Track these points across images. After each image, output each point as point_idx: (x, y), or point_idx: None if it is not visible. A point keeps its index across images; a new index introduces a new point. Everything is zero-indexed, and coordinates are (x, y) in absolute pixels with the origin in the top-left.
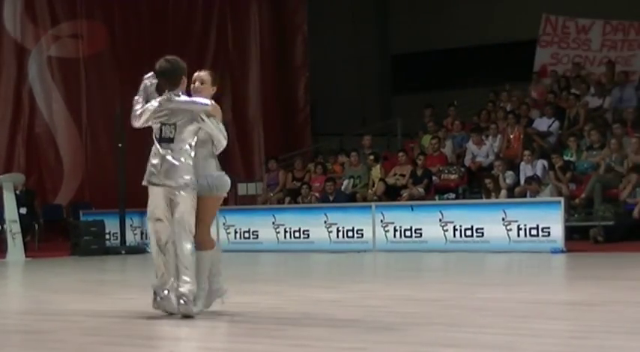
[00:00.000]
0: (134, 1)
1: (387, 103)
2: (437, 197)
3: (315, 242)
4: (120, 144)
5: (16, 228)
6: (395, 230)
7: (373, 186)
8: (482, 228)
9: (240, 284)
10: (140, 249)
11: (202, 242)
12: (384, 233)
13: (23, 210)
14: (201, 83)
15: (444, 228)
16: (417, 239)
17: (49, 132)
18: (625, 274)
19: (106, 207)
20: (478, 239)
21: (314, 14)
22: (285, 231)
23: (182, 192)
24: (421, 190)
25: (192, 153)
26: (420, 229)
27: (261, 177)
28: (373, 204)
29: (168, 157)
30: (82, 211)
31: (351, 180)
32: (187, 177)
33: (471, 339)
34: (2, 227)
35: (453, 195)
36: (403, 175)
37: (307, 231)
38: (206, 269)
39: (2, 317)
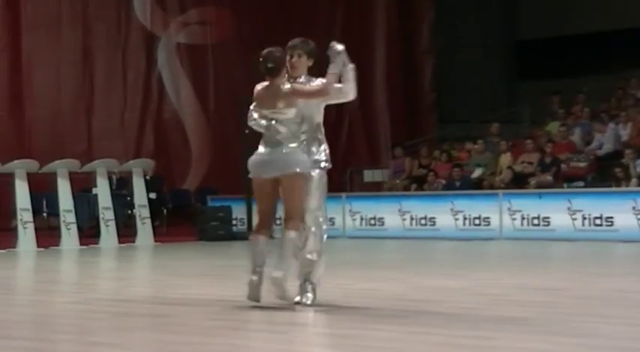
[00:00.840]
0: None
1: (513, 90)
2: (565, 185)
3: (440, 229)
4: (246, 131)
5: (145, 212)
6: (522, 218)
7: (500, 173)
8: (611, 217)
9: (365, 271)
10: None
11: None
12: (511, 221)
13: (152, 195)
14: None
15: (572, 217)
16: (544, 227)
17: (178, 118)
18: None
19: (232, 192)
20: (607, 228)
21: (440, 2)
22: (411, 218)
23: None
24: (549, 178)
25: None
26: (548, 217)
27: (386, 164)
28: (500, 191)
29: None
30: (209, 197)
31: (478, 167)
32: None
33: (596, 329)
34: (132, 212)
35: (581, 183)
36: (531, 163)
37: (433, 218)
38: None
39: (130, 301)
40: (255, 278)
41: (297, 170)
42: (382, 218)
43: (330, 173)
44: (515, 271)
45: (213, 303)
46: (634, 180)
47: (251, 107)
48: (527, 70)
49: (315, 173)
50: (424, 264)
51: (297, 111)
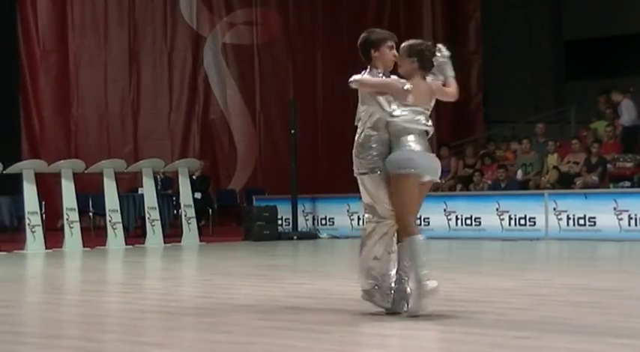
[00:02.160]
0: None
1: (560, 90)
2: (611, 185)
3: (486, 229)
4: (292, 131)
5: (191, 212)
6: (568, 218)
7: (546, 173)
8: None
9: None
10: (312, 235)
11: None
12: (557, 221)
13: (198, 195)
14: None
15: (619, 217)
16: (590, 227)
17: (224, 119)
18: None
19: (278, 192)
20: None
21: (488, 1)
22: (457, 218)
23: None
24: (595, 178)
25: (360, 140)
26: (594, 218)
27: None
28: (546, 191)
29: None
30: (254, 197)
31: (524, 167)
32: None
33: None
34: (177, 211)
35: (628, 184)
36: (577, 163)
37: (479, 218)
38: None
39: (177, 300)
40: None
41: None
42: (428, 218)
43: None
44: (563, 271)
45: (260, 303)
46: None
47: (391, 102)
48: (575, 70)
49: None
50: (471, 265)
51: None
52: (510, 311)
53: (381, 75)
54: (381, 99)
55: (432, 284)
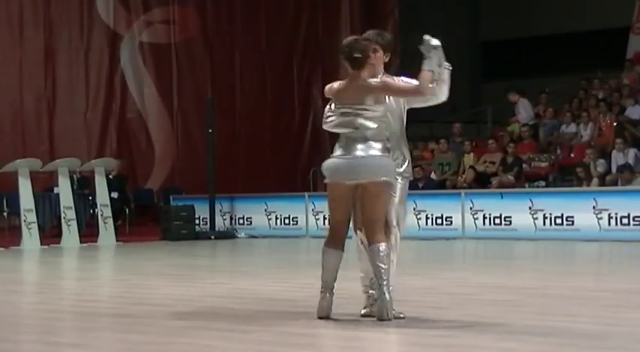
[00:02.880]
0: None
1: (476, 91)
2: (527, 185)
3: (407, 227)
4: (210, 130)
5: (108, 212)
6: (484, 217)
7: (463, 173)
8: (572, 217)
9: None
10: (230, 234)
11: None
12: (473, 220)
13: (115, 195)
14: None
15: (534, 216)
16: (506, 227)
17: (141, 118)
18: None
19: (196, 192)
20: (568, 227)
21: (405, 1)
22: None
23: None
24: (511, 178)
25: None
26: (510, 217)
27: None
28: (463, 191)
29: None
30: (172, 196)
31: (441, 167)
32: None
33: (561, 328)
34: (94, 211)
35: (543, 183)
36: (493, 162)
37: None
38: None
39: (94, 300)
40: (328, 295)
41: (385, 177)
42: None
43: (294, 173)
44: (480, 270)
45: (178, 303)
46: (595, 180)
47: (327, 107)
48: (491, 71)
49: (400, 182)
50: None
51: (384, 110)
52: (428, 310)
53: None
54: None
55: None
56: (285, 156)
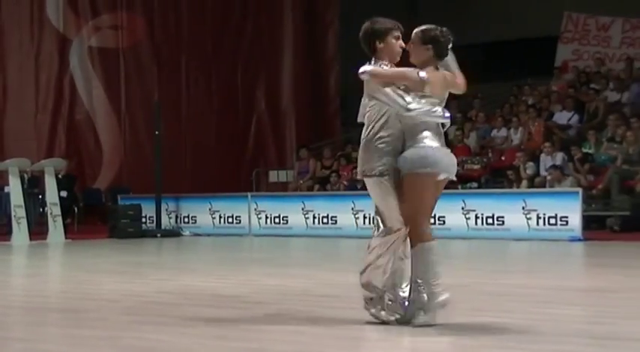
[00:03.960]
0: None
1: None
2: (460, 186)
3: (342, 228)
4: (157, 132)
5: (57, 210)
6: None
7: None
8: (502, 217)
9: (273, 268)
10: (175, 233)
11: None
12: None
13: (64, 194)
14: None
15: (467, 216)
16: (440, 226)
17: (89, 120)
18: None
19: (143, 191)
20: (499, 227)
21: (346, 8)
22: (314, 217)
23: None
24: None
25: (370, 135)
26: (444, 217)
27: (292, 165)
28: None
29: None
30: (119, 195)
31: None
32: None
33: (492, 324)
34: (43, 209)
35: (475, 185)
36: None
37: (335, 217)
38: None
39: (43, 296)
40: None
41: None
42: (286, 217)
43: (237, 173)
44: None
45: (125, 299)
46: (524, 182)
47: (405, 93)
48: None
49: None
50: (329, 262)
51: None
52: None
53: (388, 67)
54: (392, 92)
55: (444, 296)
56: (229, 158)
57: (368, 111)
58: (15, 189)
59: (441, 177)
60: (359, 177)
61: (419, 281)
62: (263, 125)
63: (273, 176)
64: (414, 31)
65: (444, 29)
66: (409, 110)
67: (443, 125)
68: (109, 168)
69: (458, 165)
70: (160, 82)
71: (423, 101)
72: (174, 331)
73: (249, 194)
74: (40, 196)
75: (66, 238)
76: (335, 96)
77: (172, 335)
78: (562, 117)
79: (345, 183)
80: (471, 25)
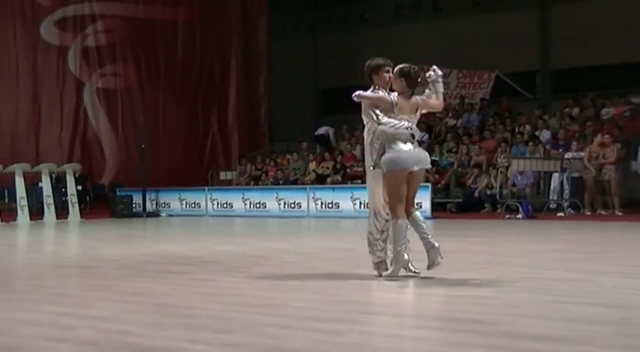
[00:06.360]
0: (154, 51)
1: (319, 120)
2: (349, 182)
3: (270, 211)
4: (143, 145)
5: (75, 199)
6: (322, 203)
7: (308, 174)
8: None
9: (220, 238)
10: (155, 214)
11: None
12: (314, 205)
13: (79, 188)
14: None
15: (354, 203)
16: (336, 209)
17: (97, 138)
18: (469, 233)
19: (133, 186)
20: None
21: (273, 59)
22: (250, 204)
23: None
24: (339, 178)
25: (369, 141)
26: (338, 203)
27: (235, 168)
28: (308, 186)
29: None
30: (117, 189)
31: (294, 170)
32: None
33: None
34: (65, 198)
35: (359, 181)
36: (328, 168)
37: (264, 203)
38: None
39: (65, 257)
40: (408, 254)
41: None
42: (231, 203)
43: (198, 173)
44: (319, 237)
45: (121, 259)
46: None
47: (381, 113)
48: (328, 107)
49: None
50: (260, 233)
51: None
52: (285, 264)
53: (380, 92)
54: (372, 111)
55: (405, 256)
56: (192, 163)
57: (366, 123)
58: (46, 184)
59: (415, 168)
60: (370, 168)
61: (389, 245)
62: (215, 140)
63: (223, 175)
64: (395, 68)
65: (415, 67)
66: (380, 123)
67: (413, 136)
68: (110, 171)
69: (348, 167)
70: (144, 112)
71: (393, 119)
72: (154, 281)
73: (206, 188)
74: (63, 189)
75: (81, 218)
76: (264, 121)
77: (153, 283)
78: (417, 135)
79: (271, 180)
80: (356, 71)
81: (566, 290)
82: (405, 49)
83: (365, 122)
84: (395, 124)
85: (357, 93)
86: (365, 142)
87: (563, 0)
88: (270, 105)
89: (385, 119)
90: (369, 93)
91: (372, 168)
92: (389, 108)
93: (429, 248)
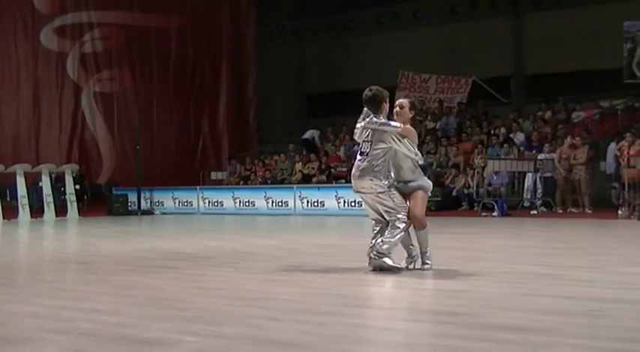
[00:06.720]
0: (148, 57)
1: (305, 123)
2: (334, 182)
3: (259, 208)
4: (137, 147)
5: (73, 198)
6: (308, 202)
7: (295, 174)
8: (361, 202)
9: (211, 235)
10: (149, 212)
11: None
12: (301, 203)
13: (77, 187)
14: (400, 108)
15: (338, 201)
16: (321, 207)
17: (94, 139)
18: (447, 230)
19: (128, 185)
20: (359, 208)
21: (261, 65)
22: (240, 202)
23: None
24: (324, 177)
25: (380, 166)
26: (323, 201)
27: (226, 168)
28: (294, 185)
29: (360, 166)
30: (113, 188)
31: (282, 171)
32: (372, 182)
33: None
34: (64, 197)
35: (343, 181)
36: (313, 168)
37: (253, 201)
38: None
39: (64, 252)
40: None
41: None
42: (222, 201)
43: (190, 173)
44: (307, 234)
45: (116, 254)
46: None
47: (408, 143)
48: (313, 111)
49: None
50: (249, 230)
51: None
52: (273, 259)
53: (396, 122)
54: (403, 140)
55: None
56: (185, 163)
57: (381, 145)
58: (46, 184)
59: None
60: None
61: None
62: (207, 142)
63: (214, 175)
64: (404, 101)
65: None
66: (415, 153)
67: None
68: (107, 171)
69: (333, 168)
70: (139, 115)
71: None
72: (149, 275)
73: (198, 187)
74: (62, 189)
75: (79, 216)
76: (253, 124)
77: (148, 277)
78: None
79: (260, 179)
80: (340, 77)
81: (539, 284)
82: (387, 55)
83: (380, 144)
84: (420, 156)
85: (400, 126)
86: (376, 160)
87: (536, 9)
88: (258, 109)
89: (415, 150)
90: (409, 126)
91: (387, 186)
92: (415, 140)
93: (413, 254)
